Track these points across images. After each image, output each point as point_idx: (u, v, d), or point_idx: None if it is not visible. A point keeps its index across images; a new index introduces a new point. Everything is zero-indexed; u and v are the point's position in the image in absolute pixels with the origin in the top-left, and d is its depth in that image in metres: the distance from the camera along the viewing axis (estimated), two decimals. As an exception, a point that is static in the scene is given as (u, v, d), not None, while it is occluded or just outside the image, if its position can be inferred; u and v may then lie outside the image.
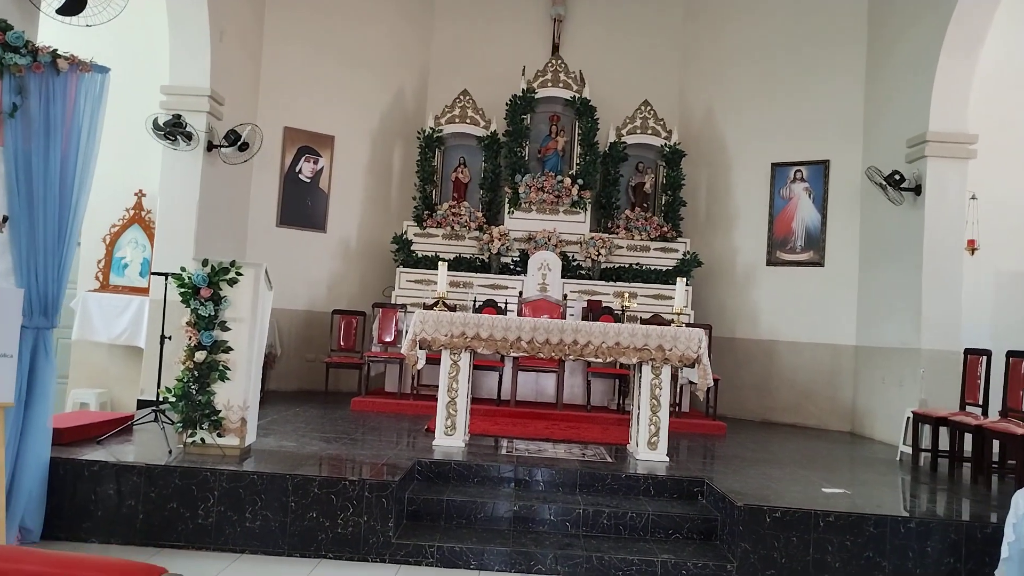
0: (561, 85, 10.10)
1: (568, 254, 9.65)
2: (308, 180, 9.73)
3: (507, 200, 9.90)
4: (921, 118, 7.84)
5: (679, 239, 9.87)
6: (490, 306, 8.59)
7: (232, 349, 4.93)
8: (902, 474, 6.24)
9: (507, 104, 10.04)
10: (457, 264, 9.58)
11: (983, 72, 7.78)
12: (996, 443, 5.97)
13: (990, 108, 8.08)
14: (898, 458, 6.90)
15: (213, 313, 4.91)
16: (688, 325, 6.80)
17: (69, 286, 8.35)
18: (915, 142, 7.90)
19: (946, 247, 7.67)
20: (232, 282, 4.96)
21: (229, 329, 4.95)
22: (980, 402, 6.31)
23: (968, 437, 6.17)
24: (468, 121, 10.07)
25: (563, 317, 8.19)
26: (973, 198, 7.99)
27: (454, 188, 10.16)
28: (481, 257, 9.70)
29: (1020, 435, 5.34)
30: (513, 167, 9.92)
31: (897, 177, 7.82)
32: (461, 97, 10.14)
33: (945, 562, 4.43)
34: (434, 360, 6.44)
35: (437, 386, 5.97)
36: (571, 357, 5.91)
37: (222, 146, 7.89)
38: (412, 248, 9.68)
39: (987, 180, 8.02)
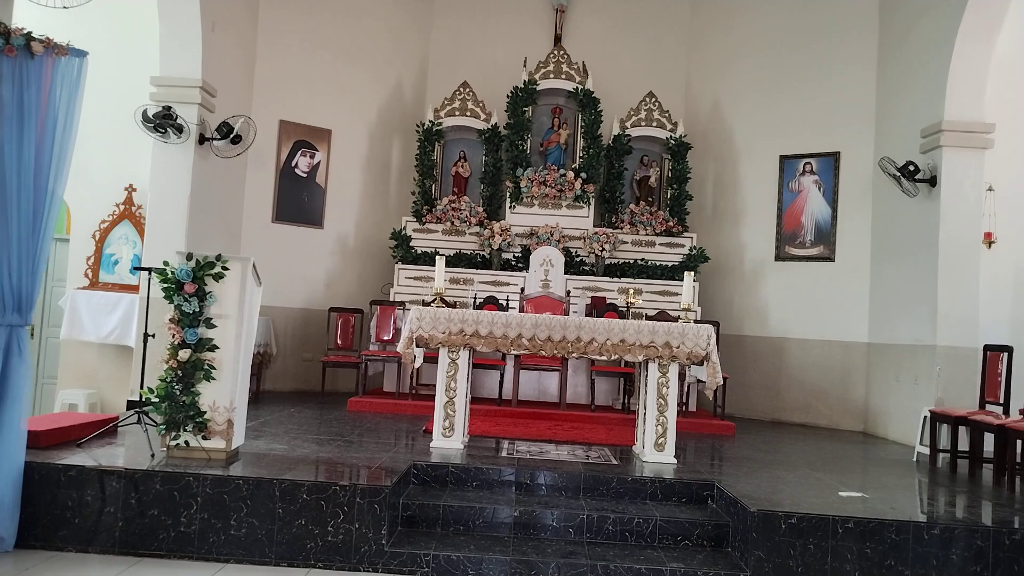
0: (564, 77, 9.84)
1: (571, 250, 9.40)
2: (304, 175, 9.50)
3: (508, 195, 9.66)
4: (936, 107, 7.57)
5: (685, 234, 9.61)
6: (491, 303, 8.34)
7: (218, 347, 4.69)
8: (920, 476, 5.98)
9: (508, 96, 9.79)
10: (457, 260, 9.34)
11: (1000, 59, 7.51)
12: (1020, 443, 5.70)
13: (1008, 96, 7.84)
14: (914, 459, 6.64)
15: (198, 309, 4.67)
16: (695, 322, 6.54)
17: (57, 284, 8.23)
18: (930, 132, 7.63)
19: (962, 240, 7.40)
20: (218, 277, 4.73)
21: (215, 326, 4.71)
22: (1001, 400, 6.05)
23: (989, 437, 5.91)
24: (468, 114, 9.82)
25: (566, 314, 7.94)
26: (990, 189, 7.73)
27: (454, 183, 9.92)
28: (482, 253, 9.46)
29: (1047, 435, 5.08)
30: (514, 161, 9.67)
31: (911, 168, 7.56)
32: (461, 89, 9.90)
33: (971, 570, 4.17)
34: (433, 359, 6.19)
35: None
36: (575, 355, 5.66)
37: (214, 139, 7.66)
38: (411, 244, 9.44)
39: (1004, 171, 7.78)
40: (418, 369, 8.00)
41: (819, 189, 9.19)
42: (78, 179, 7.91)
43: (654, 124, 9.80)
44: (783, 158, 9.44)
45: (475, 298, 8.68)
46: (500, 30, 10.55)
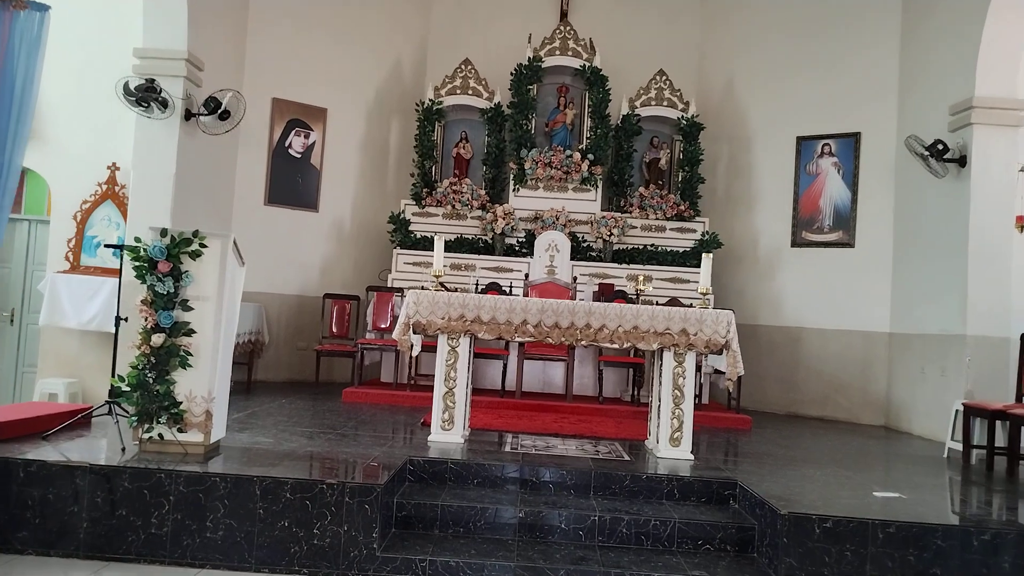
0: (570, 53, 9.39)
1: (578, 234, 8.97)
2: (299, 155, 9.07)
3: (512, 177, 9.23)
4: (966, 83, 7.14)
5: (697, 218, 9.17)
6: (494, 290, 7.93)
7: (195, 332, 4.29)
8: (953, 473, 5.58)
9: (512, 74, 9.33)
10: (458, 245, 8.92)
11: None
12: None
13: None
14: (945, 455, 6.23)
15: (173, 290, 4.26)
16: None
17: (37, 267, 7.83)
18: (959, 109, 7.20)
19: (994, 223, 6.99)
20: (195, 255, 4.32)
21: (192, 309, 4.31)
22: (1040, 393, 5.64)
23: (1028, 432, 5.50)
24: (470, 92, 9.37)
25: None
26: (1023, 170, 7.28)
27: (455, 164, 9.48)
28: (484, 238, 9.04)
29: (1099, 431, 4.67)
30: (518, 141, 9.22)
31: (940, 147, 7.12)
32: (462, 67, 9.45)
33: (1025, 580, 3.77)
34: (432, 347, 5.78)
35: (433, 375, 5.34)
36: (584, 343, 5.25)
37: (201, 115, 7.23)
38: (410, 228, 9.01)
39: (1038, 150, 7.33)
40: (416, 358, 7.59)
41: (838, 172, 8.75)
42: (59, 157, 7.58)
43: (665, 103, 9.34)
44: (800, 139, 9.00)
45: (476, 284, 8.28)
46: (504, 5, 10.06)
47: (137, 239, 4.31)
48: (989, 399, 6.29)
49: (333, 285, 9.04)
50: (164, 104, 6.91)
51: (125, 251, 4.35)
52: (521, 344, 7.23)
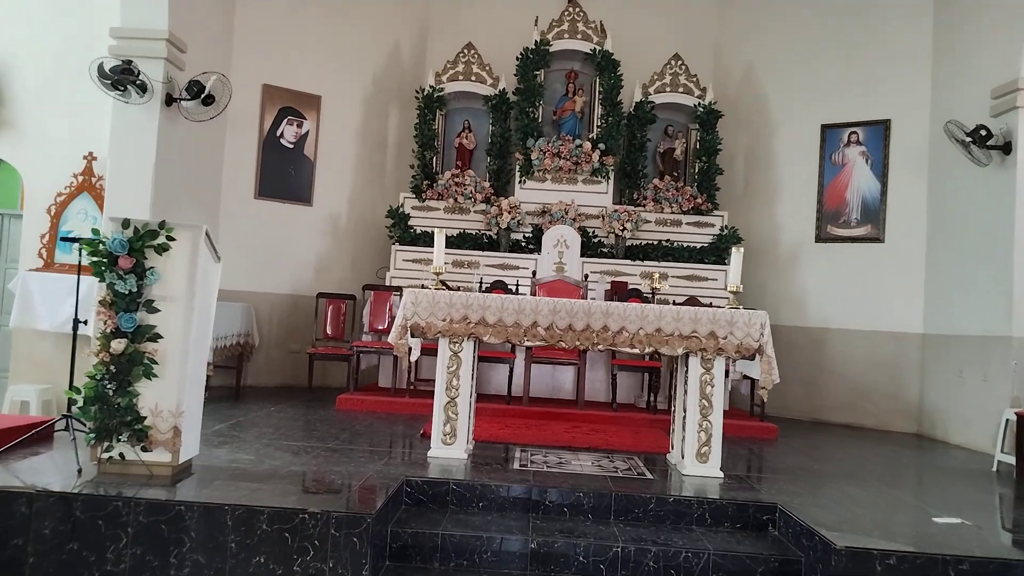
0: (579, 37, 8.85)
1: (588, 229, 8.44)
2: (291, 146, 8.54)
3: (518, 168, 8.69)
4: (1010, 65, 6.60)
5: (715, 212, 8.63)
6: (499, 288, 7.40)
7: (161, 337, 3.77)
8: (1008, 491, 5.04)
9: (518, 59, 8.81)
10: (461, 241, 8.39)
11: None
12: None
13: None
14: (994, 468, 5.69)
15: (136, 289, 3.75)
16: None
17: (10, 265, 7.30)
18: (1003, 92, 6.65)
19: (1042, 215, 6.44)
20: (161, 249, 3.80)
21: (158, 310, 3.78)
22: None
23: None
24: (473, 78, 8.84)
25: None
26: (1072, 158, 6.74)
27: (457, 155, 8.94)
28: (488, 233, 8.51)
29: None
30: (525, 130, 8.69)
31: (983, 133, 6.58)
32: (465, 51, 8.91)
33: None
34: (432, 351, 5.25)
35: (434, 383, 4.81)
36: (600, 347, 4.72)
37: (183, 99, 6.71)
38: (410, 223, 8.49)
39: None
40: (416, 362, 7.07)
41: (866, 161, 8.20)
42: (32, 146, 7.06)
43: (680, 90, 8.81)
44: (825, 127, 8.44)
45: (480, 283, 7.74)
46: (509, -14, 9.54)
47: (95, 231, 3.80)
48: (1043, 407, 5.76)
49: (328, 284, 8.51)
50: (143, 88, 6.39)
51: (82, 245, 3.82)
52: (529, 347, 6.71)
